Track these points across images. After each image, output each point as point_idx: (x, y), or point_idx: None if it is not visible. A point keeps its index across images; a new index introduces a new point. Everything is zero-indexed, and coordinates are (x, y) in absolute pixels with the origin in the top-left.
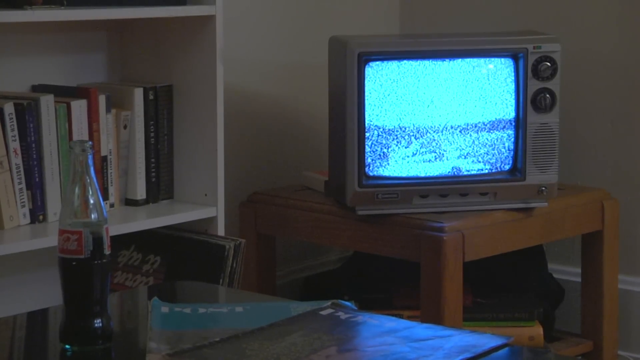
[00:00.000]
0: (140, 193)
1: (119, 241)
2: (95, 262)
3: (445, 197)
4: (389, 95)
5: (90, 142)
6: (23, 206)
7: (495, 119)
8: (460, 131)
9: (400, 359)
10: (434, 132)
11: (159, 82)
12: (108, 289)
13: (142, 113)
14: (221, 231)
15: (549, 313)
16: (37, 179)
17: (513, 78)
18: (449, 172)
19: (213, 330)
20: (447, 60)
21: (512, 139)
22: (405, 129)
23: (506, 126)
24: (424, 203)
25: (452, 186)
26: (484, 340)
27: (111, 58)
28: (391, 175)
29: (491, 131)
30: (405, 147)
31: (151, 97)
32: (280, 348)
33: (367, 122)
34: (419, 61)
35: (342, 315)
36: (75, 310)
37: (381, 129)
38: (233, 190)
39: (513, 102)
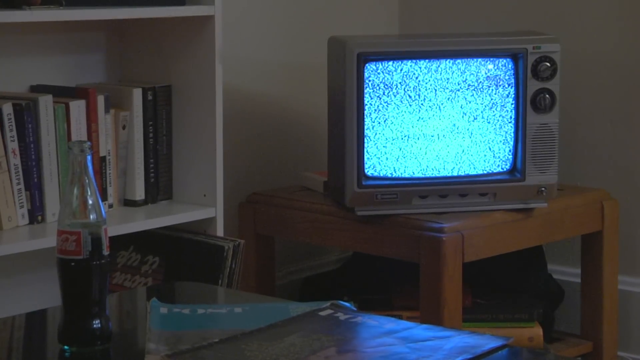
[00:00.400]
0: (139, 194)
1: (118, 242)
2: (94, 262)
3: (445, 197)
4: (387, 95)
5: (89, 143)
6: (21, 207)
7: (495, 119)
8: (459, 131)
9: None
10: (433, 132)
11: (158, 82)
12: (107, 290)
13: (140, 113)
14: (220, 232)
15: (549, 314)
16: (35, 180)
17: (512, 78)
18: (447, 173)
19: (212, 331)
20: (447, 60)
21: (512, 140)
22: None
23: (506, 126)
24: (423, 203)
25: (452, 187)
26: (484, 341)
27: (110, 58)
28: (390, 175)
29: (491, 131)
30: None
31: (150, 97)
32: (280, 349)
33: (366, 122)
34: (418, 61)
35: (342, 316)
36: (73, 311)
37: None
38: (232, 191)
39: (513, 102)
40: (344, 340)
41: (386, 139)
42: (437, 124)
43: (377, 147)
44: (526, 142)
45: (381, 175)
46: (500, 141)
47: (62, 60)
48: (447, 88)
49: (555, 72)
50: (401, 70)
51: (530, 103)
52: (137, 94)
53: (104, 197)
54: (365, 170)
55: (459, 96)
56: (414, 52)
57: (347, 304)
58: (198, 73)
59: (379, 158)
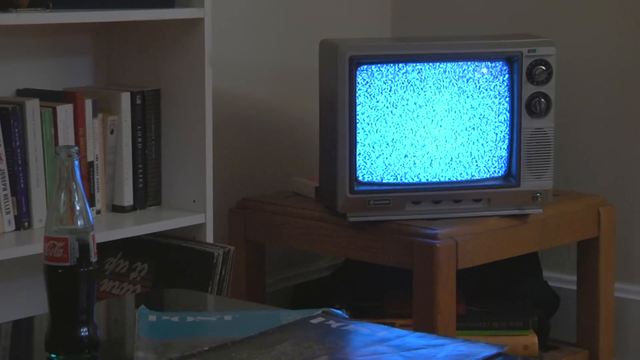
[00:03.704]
0: (127, 199)
1: (106, 248)
2: (82, 269)
3: (438, 203)
4: (380, 99)
5: (76, 148)
6: (8, 213)
7: (489, 123)
8: (453, 136)
9: None
10: (426, 137)
11: (147, 86)
12: (94, 297)
13: (129, 118)
14: (210, 238)
15: (544, 322)
16: (22, 185)
17: (507, 82)
18: (440, 178)
19: (201, 339)
20: (440, 64)
21: (507, 144)
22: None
23: (500, 131)
24: (416, 209)
25: (445, 192)
26: (478, 349)
27: (98, 61)
28: (383, 181)
29: (485, 136)
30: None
31: (138, 101)
32: (270, 357)
33: (358, 126)
34: (411, 65)
35: (333, 323)
36: (61, 319)
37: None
38: (222, 197)
39: (507, 106)
40: (335, 348)
41: (379, 143)
42: (430, 128)
43: (369, 152)
44: (521, 147)
45: (373, 180)
46: (495, 146)
47: (49, 63)
48: (440, 92)
49: (550, 75)
50: (394, 74)
51: (525, 107)
52: (125, 98)
53: (92, 203)
54: (358, 176)
55: (452, 100)
56: (407, 55)
57: (339, 311)
58: (187, 77)
59: (372, 163)
